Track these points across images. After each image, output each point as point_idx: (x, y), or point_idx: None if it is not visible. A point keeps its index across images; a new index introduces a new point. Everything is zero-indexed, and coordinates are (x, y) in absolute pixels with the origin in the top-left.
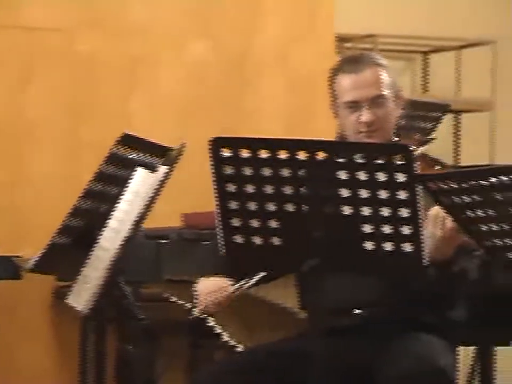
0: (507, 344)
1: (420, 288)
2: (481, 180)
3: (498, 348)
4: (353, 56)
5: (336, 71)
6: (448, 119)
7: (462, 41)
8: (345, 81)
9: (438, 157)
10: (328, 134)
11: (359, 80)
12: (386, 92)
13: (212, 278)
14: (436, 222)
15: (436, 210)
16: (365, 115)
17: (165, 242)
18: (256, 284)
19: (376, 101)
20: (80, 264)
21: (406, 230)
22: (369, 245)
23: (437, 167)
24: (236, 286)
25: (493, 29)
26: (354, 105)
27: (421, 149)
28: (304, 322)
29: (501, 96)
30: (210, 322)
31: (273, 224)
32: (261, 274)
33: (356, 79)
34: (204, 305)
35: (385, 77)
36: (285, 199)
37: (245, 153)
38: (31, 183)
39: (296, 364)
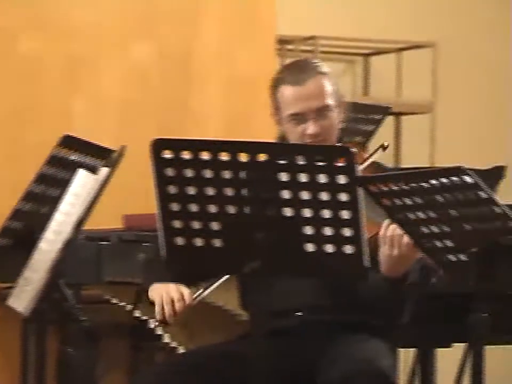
0: (447, 346)
1: (362, 291)
2: (422, 182)
3: (439, 349)
4: (295, 65)
5: (279, 81)
6: (389, 121)
7: (403, 44)
8: (289, 93)
9: (378, 160)
10: (269, 135)
11: (303, 92)
12: (330, 101)
13: (166, 285)
14: (392, 242)
15: (391, 229)
16: (311, 128)
17: (105, 244)
18: (216, 288)
19: (321, 112)
20: (21, 266)
21: (347, 232)
22: (310, 247)
23: (378, 169)
24: (197, 293)
25: (433, 31)
26: (299, 118)
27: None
28: (246, 324)
29: (442, 98)
30: (152, 324)
31: (215, 226)
32: (223, 278)
33: (299, 91)
34: (163, 316)
35: (328, 85)
36: (226, 201)
37: (186, 155)
38: None
39: (237, 365)
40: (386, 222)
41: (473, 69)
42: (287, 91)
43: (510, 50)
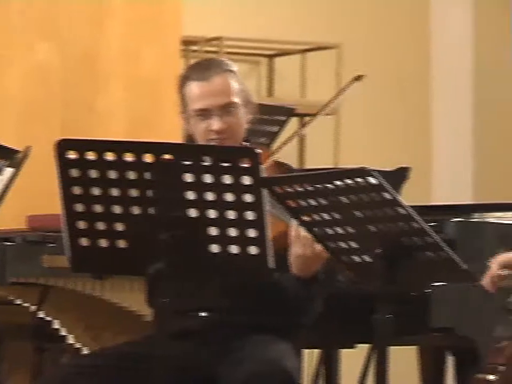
0: (351, 347)
1: (267, 291)
2: (326, 183)
3: (343, 350)
4: (202, 62)
5: (185, 78)
6: (293, 122)
7: (307, 45)
8: (195, 89)
9: (284, 161)
10: (174, 136)
11: (208, 88)
12: (236, 99)
13: None
14: (300, 241)
15: (300, 230)
16: (216, 124)
17: (9, 245)
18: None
19: (227, 109)
20: None
21: (251, 233)
22: (215, 248)
23: (284, 170)
24: None
25: (337, 33)
26: (204, 113)
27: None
28: (150, 325)
29: (345, 100)
30: (56, 325)
31: (119, 226)
32: None
33: (205, 87)
34: None
35: (235, 83)
36: (131, 202)
37: (90, 156)
38: None
39: (141, 366)
40: (295, 221)
41: (377, 71)
42: (193, 87)
43: (414, 52)
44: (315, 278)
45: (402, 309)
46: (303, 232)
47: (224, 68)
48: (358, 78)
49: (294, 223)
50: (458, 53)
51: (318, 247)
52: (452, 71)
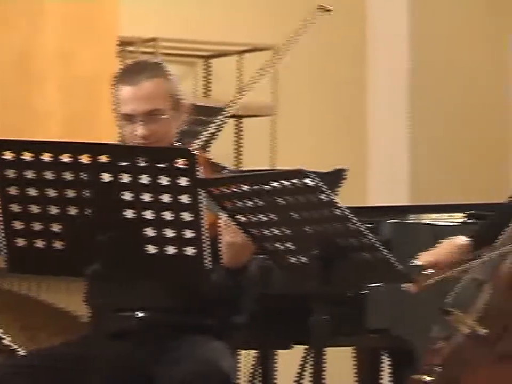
0: (288, 348)
1: (204, 292)
2: (263, 184)
3: (279, 351)
4: (134, 65)
5: (117, 80)
6: (229, 123)
7: (244, 46)
8: (123, 93)
9: (220, 162)
10: (111, 136)
11: (135, 93)
12: (163, 105)
13: None
14: (230, 230)
15: (230, 221)
16: (139, 130)
17: None
18: None
19: (152, 115)
20: None
21: (188, 234)
22: (151, 249)
23: (220, 171)
24: None
25: (274, 34)
26: (130, 118)
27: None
28: (87, 326)
29: (282, 101)
30: None
31: (56, 227)
32: None
33: (132, 92)
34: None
35: (164, 88)
36: (67, 203)
37: (27, 156)
38: None
39: (77, 367)
40: None
41: (313, 72)
42: (122, 90)
43: (350, 52)
44: (245, 268)
45: (338, 309)
46: (231, 220)
47: (155, 72)
48: (326, 9)
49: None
50: (394, 53)
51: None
52: (388, 72)
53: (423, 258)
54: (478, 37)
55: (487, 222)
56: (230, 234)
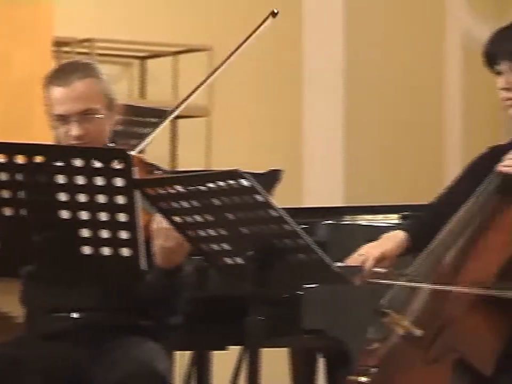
0: (224, 349)
1: (139, 293)
2: (199, 185)
3: (215, 351)
4: (65, 66)
5: (48, 81)
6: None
7: (179, 47)
8: (55, 93)
9: (155, 163)
10: (47, 137)
11: (68, 94)
12: (96, 105)
13: None
14: (162, 233)
15: (163, 222)
16: (74, 130)
17: None
18: None
19: (86, 115)
20: None
21: (123, 235)
22: (87, 250)
23: (156, 172)
24: None
25: (209, 35)
26: (64, 119)
27: (137, 153)
28: (22, 326)
29: (217, 102)
30: None
31: None
32: None
33: (64, 92)
34: None
35: (96, 88)
36: (2, 203)
37: None
38: None
39: (12, 368)
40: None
41: (249, 73)
42: (54, 91)
43: (286, 53)
44: (179, 269)
45: (274, 310)
46: (165, 223)
47: (87, 72)
48: (274, 14)
49: (157, 215)
50: (329, 54)
51: (180, 238)
52: (323, 73)
53: (365, 250)
54: (412, 38)
55: (420, 219)
56: (162, 237)
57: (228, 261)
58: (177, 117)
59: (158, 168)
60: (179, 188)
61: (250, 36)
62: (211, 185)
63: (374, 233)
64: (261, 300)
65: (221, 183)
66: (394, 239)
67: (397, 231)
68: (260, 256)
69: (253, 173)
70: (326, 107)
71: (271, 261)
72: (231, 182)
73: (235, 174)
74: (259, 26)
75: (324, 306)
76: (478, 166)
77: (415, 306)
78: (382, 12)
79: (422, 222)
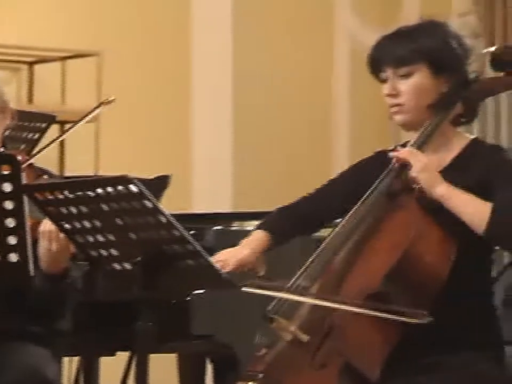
0: (112, 354)
1: (27, 298)
2: (87, 191)
3: (103, 357)
4: None
5: None
6: (53, 129)
7: (67, 52)
8: None
9: (44, 167)
10: None
11: None
12: None
13: None
14: (48, 237)
15: (49, 224)
16: None
17: None
18: None
19: None
20: None
21: (12, 240)
22: None
23: (44, 177)
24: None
25: (98, 41)
26: None
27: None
28: None
29: (106, 107)
30: None
31: None
32: None
33: None
34: None
35: None
36: None
37: None
38: None
39: None
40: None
41: (137, 79)
42: None
43: (175, 60)
44: (65, 274)
45: (162, 316)
46: (49, 226)
47: None
48: (108, 102)
49: (44, 219)
50: (218, 57)
51: (65, 242)
52: (212, 79)
53: (223, 257)
54: (301, 42)
55: (277, 213)
56: (47, 241)
57: (117, 266)
58: (65, 122)
59: (46, 172)
60: (68, 193)
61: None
62: (100, 190)
63: None
64: (149, 305)
65: (110, 189)
66: (252, 243)
67: (256, 231)
68: (149, 261)
69: (142, 179)
70: (215, 113)
71: (160, 267)
72: (120, 187)
73: (124, 180)
74: (93, 110)
75: (212, 312)
76: (363, 166)
77: (301, 312)
78: (271, 16)
79: (279, 216)
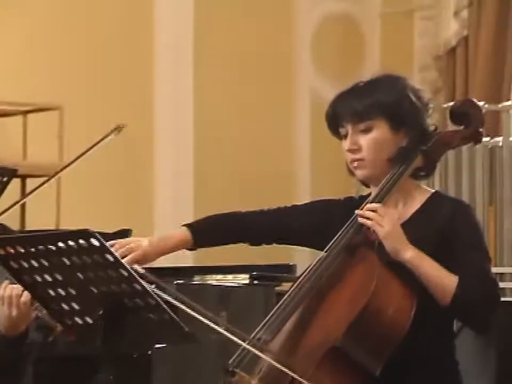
0: None
1: None
2: (49, 245)
3: None
4: None
5: None
6: (15, 183)
7: (28, 106)
8: None
9: (3, 222)
10: None
11: None
12: None
13: None
14: (8, 302)
15: (9, 289)
16: None
17: None
18: None
19: None
20: None
21: None
22: None
23: (5, 232)
24: None
25: (59, 95)
26: None
27: None
28: None
29: (68, 160)
30: None
31: None
32: None
33: None
34: None
35: None
36: None
37: None
38: None
39: None
40: (5, 282)
41: (100, 132)
42: None
43: (137, 106)
44: (23, 336)
45: (123, 370)
46: (9, 291)
47: None
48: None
49: (4, 282)
50: (180, 113)
51: (26, 308)
52: (174, 129)
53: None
54: (262, 95)
55: (208, 218)
56: (5, 306)
57: (78, 320)
58: (27, 176)
59: (6, 228)
60: (29, 248)
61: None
62: (61, 244)
63: (224, 292)
64: (110, 359)
65: (71, 243)
66: (173, 238)
67: (181, 228)
68: (110, 315)
69: (103, 233)
70: (177, 169)
71: (122, 320)
72: (81, 241)
73: (85, 234)
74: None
75: (173, 366)
76: (332, 206)
77: (262, 367)
78: (233, 71)
79: (209, 221)
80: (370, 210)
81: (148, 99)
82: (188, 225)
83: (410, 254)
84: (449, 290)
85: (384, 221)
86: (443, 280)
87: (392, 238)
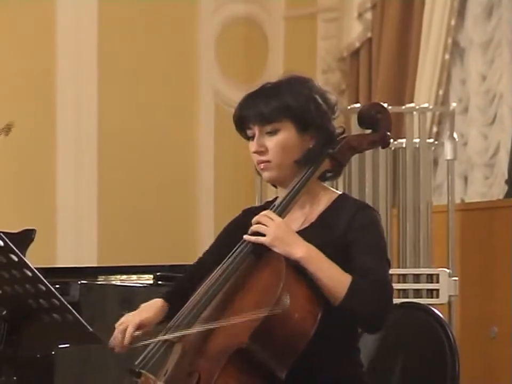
0: None
1: None
2: None
3: None
4: None
5: None
6: None
7: None
8: None
9: None
10: None
11: None
12: None
13: None
14: None
15: None
16: None
17: None
18: None
19: None
20: None
21: None
22: None
23: None
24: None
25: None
26: None
27: None
28: None
29: None
30: None
31: None
32: None
33: None
34: None
35: None
36: None
37: None
38: None
39: None
40: None
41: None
42: None
43: (38, 113)
44: None
45: (26, 371)
46: None
47: None
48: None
49: None
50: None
51: None
52: (76, 135)
53: (124, 319)
54: (165, 101)
55: (175, 285)
56: None
57: None
58: None
59: None
60: None
61: None
62: None
63: (128, 293)
64: (12, 360)
65: None
66: (152, 308)
67: (156, 299)
68: (13, 316)
69: (6, 233)
70: (80, 169)
71: (25, 321)
72: None
73: None
74: None
75: (77, 367)
76: (232, 228)
77: (168, 366)
78: (135, 73)
79: (177, 287)
80: (256, 223)
81: (51, 103)
82: (164, 297)
83: (300, 254)
84: (339, 291)
85: (267, 230)
86: (334, 280)
87: (279, 242)
